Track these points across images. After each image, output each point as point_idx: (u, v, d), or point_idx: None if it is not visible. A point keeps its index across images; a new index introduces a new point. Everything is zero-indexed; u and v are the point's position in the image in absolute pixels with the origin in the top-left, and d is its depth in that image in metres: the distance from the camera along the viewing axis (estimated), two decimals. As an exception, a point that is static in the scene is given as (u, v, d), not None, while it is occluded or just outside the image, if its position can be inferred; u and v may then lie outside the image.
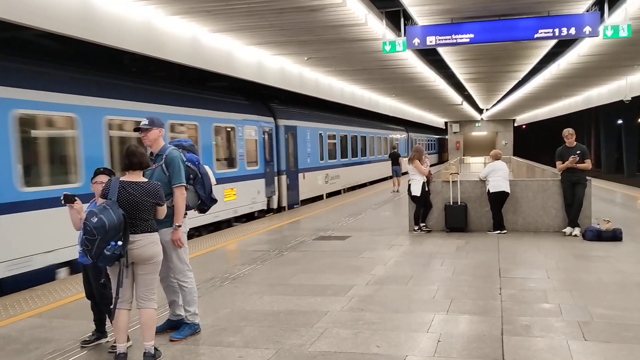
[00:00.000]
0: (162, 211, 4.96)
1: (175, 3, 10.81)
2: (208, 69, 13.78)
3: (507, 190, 11.03)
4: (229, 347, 5.14)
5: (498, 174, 11.09)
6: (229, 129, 15.40)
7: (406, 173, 12.86)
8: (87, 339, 5.28)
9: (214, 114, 14.64)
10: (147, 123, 5.36)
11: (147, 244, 4.76)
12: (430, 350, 4.92)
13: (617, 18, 12.76)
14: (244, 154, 15.99)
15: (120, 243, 4.54)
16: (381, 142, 32.52)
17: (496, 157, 11.53)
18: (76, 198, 4.90)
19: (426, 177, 11.50)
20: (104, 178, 5.12)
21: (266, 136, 17.58)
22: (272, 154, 17.98)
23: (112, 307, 4.77)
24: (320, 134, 22.69)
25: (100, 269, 5.12)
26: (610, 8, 12.65)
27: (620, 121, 48.56)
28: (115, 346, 4.82)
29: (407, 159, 12.07)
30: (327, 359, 4.80)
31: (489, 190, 11.10)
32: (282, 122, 18.97)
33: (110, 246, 4.50)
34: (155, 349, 4.84)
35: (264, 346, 5.13)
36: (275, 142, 18.31)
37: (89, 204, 5.21)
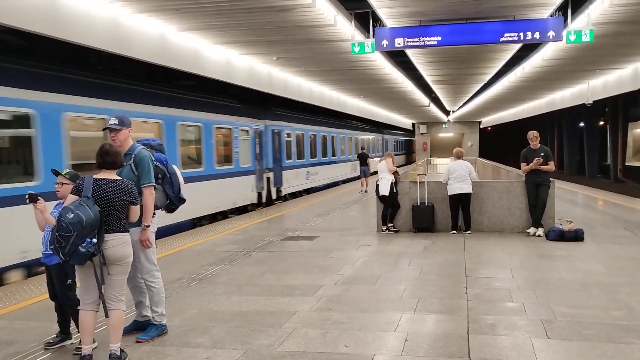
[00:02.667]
0: (135, 212, 4.88)
1: (142, 0, 10.68)
2: (176, 68, 13.65)
3: (463, 191, 11.07)
4: (196, 348, 5.10)
5: (453, 176, 11.20)
6: (377, 140, 43.45)
7: (374, 173, 13.06)
8: (51, 341, 5.18)
9: (369, 134, 40.68)
10: (116, 123, 5.20)
11: (118, 244, 4.69)
12: (397, 349, 4.97)
13: (580, 23, 13.07)
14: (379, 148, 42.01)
15: (94, 240, 4.46)
16: (400, 143, 60.26)
17: (457, 156, 11.60)
18: (39, 198, 4.80)
19: (394, 177, 11.59)
20: (64, 179, 5.05)
21: (382, 141, 45.37)
22: (384, 148, 44.69)
23: (77, 307, 4.69)
24: (388, 139, 49.89)
25: (65, 270, 5.03)
26: (573, 13, 12.96)
27: (582, 124, 49.62)
28: (81, 348, 4.74)
29: (377, 159, 12.26)
30: (296, 359, 4.80)
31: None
32: (383, 136, 46.63)
33: (85, 243, 4.41)
34: (122, 350, 4.77)
35: (232, 347, 5.11)
36: (382, 143, 45.30)
37: (54, 205, 5.11)
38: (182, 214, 12.28)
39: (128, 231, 4.83)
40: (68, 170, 5.24)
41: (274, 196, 20.46)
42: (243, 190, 18.02)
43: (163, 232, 12.42)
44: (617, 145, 43.21)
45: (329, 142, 28.24)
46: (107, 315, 4.69)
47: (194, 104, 15.33)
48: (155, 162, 5.36)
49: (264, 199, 19.60)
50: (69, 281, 5.06)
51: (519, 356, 4.75)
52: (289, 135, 22.57)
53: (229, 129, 17.16)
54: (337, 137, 30.43)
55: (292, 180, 22.68)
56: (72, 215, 4.39)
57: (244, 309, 6.27)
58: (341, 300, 6.59)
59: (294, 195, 22.93)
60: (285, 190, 21.75)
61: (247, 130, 18.47)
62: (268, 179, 20.07)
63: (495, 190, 11.52)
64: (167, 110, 13.75)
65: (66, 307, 5.12)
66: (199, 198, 14.59)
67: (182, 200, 5.66)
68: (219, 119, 16.57)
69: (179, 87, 16.50)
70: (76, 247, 4.40)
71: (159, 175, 5.42)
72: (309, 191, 24.95)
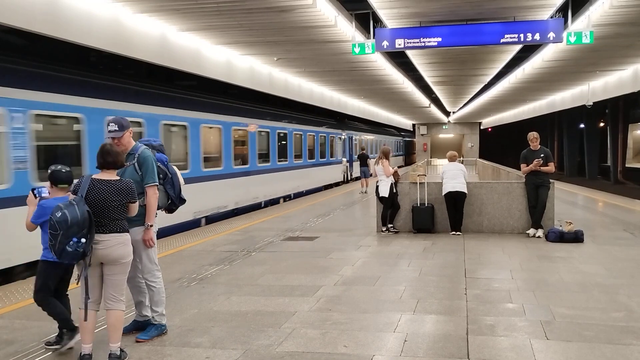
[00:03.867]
0: (134, 208, 4.90)
1: (143, 0, 10.70)
2: (176, 68, 13.67)
3: (455, 189, 11.09)
4: (196, 348, 5.11)
5: (446, 175, 11.27)
6: (399, 141, 56.62)
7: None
8: (51, 341, 5.19)
9: (396, 138, 55.17)
10: (117, 128, 5.19)
11: (114, 245, 4.69)
12: (397, 350, 4.98)
13: (580, 25, 13.08)
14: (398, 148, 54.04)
15: (83, 240, 4.45)
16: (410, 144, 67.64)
17: (450, 159, 11.74)
18: (30, 194, 4.85)
19: (394, 178, 11.59)
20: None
21: (403, 142, 59.09)
22: (404, 149, 59.62)
23: (82, 307, 4.70)
24: (406, 141, 62.57)
25: (66, 269, 5.05)
26: (573, 15, 12.97)
27: (582, 125, 49.64)
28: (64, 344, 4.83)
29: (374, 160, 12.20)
30: (295, 359, 4.81)
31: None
32: (404, 138, 60.93)
33: (72, 242, 4.40)
34: (121, 350, 4.78)
35: (232, 347, 5.12)
36: (403, 144, 60.05)
37: None
38: (317, 182, 26.04)
39: (127, 231, 4.84)
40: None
41: (348, 178, 32.25)
42: (339, 172, 30.23)
43: (310, 192, 24.32)
44: (617, 147, 43.22)
45: (374, 144, 41.51)
46: (85, 318, 4.66)
47: (324, 124, 28.32)
48: (156, 163, 5.37)
49: (345, 179, 31.34)
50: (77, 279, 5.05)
51: (518, 357, 4.76)
52: (355, 139, 35.15)
53: (334, 136, 29.63)
54: (378, 140, 43.98)
55: (356, 169, 32.47)
56: (60, 214, 4.40)
57: (243, 309, 6.28)
58: (341, 300, 6.60)
59: (357, 178, 34.09)
60: (354, 174, 32.97)
61: (340, 137, 31.14)
62: (346, 167, 31.79)
63: (495, 191, 11.53)
64: (314, 128, 26.03)
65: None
66: (325, 175, 27.43)
67: (183, 201, 5.67)
68: (332, 131, 29.43)
69: (321, 115, 29.59)
70: (64, 246, 4.41)
71: (161, 176, 5.42)
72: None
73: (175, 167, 5.67)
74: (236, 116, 17.33)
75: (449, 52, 16.65)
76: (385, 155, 11.70)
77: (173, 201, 5.58)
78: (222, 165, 16.12)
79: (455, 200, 11.18)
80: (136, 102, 12.32)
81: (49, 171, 5.10)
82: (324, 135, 27.58)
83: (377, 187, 11.67)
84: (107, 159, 4.77)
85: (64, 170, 5.10)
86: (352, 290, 7.08)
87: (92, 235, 4.54)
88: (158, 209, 5.46)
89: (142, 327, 5.47)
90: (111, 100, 11.41)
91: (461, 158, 11.60)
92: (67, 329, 5.15)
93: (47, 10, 9.38)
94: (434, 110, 41.64)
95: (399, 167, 13.22)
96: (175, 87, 15.89)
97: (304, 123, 24.75)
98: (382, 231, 11.63)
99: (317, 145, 26.13)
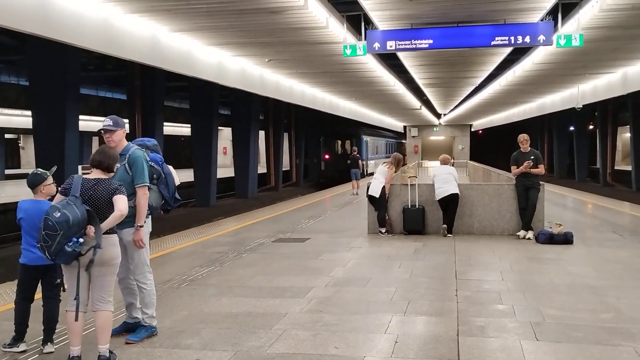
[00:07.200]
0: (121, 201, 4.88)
1: (134, 1, 10.67)
2: (167, 69, 13.64)
3: (449, 192, 11.10)
4: (186, 350, 5.09)
5: (437, 179, 11.32)
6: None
7: (370, 175, 13.15)
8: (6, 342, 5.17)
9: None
10: (111, 124, 5.18)
11: (106, 246, 4.66)
12: (387, 351, 4.98)
13: (570, 28, 13.17)
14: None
15: (81, 240, 4.43)
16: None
17: (442, 162, 11.79)
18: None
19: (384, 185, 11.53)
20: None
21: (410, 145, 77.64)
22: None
23: (70, 309, 4.67)
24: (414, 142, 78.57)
25: (56, 270, 5.02)
26: (563, 18, 13.06)
27: (572, 128, 49.92)
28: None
29: (383, 162, 12.22)
30: (286, 361, 4.80)
31: None
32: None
33: (72, 243, 4.38)
34: (110, 352, 4.75)
35: (222, 348, 5.10)
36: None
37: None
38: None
39: (116, 232, 4.82)
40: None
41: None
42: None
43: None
44: (606, 149, 43.49)
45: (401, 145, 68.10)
46: (76, 319, 4.62)
47: (399, 137, 69.38)
48: (150, 163, 5.34)
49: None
50: (59, 280, 5.02)
51: (508, 358, 4.78)
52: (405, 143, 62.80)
53: (399, 142, 67.23)
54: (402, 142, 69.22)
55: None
56: (59, 214, 4.36)
57: (234, 311, 6.26)
58: (332, 302, 6.59)
59: None
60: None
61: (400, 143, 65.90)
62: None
63: (485, 193, 11.57)
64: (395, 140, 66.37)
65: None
66: None
67: (177, 201, 5.63)
68: (398, 140, 67.07)
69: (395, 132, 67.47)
70: (62, 247, 4.38)
71: (155, 176, 5.39)
72: None
73: (170, 167, 5.61)
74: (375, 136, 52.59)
75: (440, 54, 16.71)
76: (397, 163, 11.72)
77: (167, 201, 5.54)
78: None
79: (448, 203, 11.20)
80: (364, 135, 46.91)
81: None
82: (397, 142, 60.48)
83: (369, 186, 11.64)
84: (96, 157, 4.75)
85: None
86: (343, 291, 7.08)
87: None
88: (154, 210, 5.44)
89: (132, 329, 5.43)
90: (369, 136, 49.54)
91: (452, 160, 11.61)
92: (19, 335, 5.13)
93: (39, 11, 9.34)
94: (425, 112, 41.77)
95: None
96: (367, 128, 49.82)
97: (392, 138, 58.44)
98: (381, 233, 11.55)
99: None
